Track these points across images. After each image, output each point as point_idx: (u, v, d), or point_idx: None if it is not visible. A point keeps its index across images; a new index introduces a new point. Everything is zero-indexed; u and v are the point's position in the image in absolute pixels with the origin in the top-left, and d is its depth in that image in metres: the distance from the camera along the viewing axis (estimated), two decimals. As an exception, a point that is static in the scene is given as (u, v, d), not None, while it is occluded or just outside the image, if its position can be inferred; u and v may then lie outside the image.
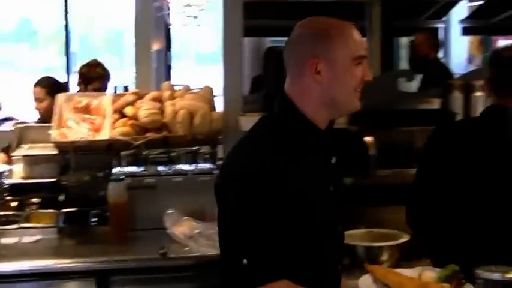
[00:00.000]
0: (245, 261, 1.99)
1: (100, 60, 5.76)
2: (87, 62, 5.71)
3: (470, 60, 13.65)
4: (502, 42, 14.10)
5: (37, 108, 5.31)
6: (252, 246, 2.00)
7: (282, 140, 2.12)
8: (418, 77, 5.87)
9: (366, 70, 2.20)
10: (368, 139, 3.81)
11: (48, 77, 5.57)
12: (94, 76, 5.41)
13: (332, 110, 2.22)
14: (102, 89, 5.32)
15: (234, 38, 4.10)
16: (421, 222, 3.03)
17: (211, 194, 3.61)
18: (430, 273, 2.10)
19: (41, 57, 14.82)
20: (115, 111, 4.06)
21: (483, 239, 2.81)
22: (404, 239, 3.08)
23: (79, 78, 5.54)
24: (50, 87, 5.25)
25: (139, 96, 4.17)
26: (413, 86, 5.97)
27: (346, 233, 3.49)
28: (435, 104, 4.37)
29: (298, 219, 2.05)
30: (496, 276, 1.63)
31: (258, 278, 1.99)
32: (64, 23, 10.82)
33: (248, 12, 4.27)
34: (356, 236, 3.23)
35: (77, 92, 5.50)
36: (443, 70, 6.09)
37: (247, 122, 3.75)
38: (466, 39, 13.42)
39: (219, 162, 4.06)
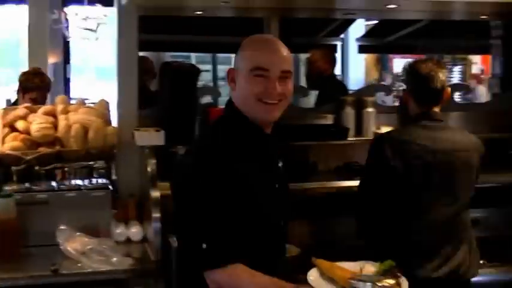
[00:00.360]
0: (204, 245, 2.22)
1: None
2: (27, 69, 5.45)
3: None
4: (397, 60, 14.59)
5: None
6: (210, 232, 2.24)
7: (229, 139, 2.35)
8: (314, 93, 5.98)
9: (269, 83, 2.31)
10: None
11: None
12: (31, 86, 5.15)
13: (250, 116, 2.39)
14: (40, 99, 5.07)
15: (129, 52, 4.08)
16: (370, 232, 3.34)
17: (105, 209, 3.60)
18: (370, 267, 2.18)
19: None
20: (5, 126, 3.96)
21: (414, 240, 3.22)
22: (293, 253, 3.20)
23: (18, 86, 5.26)
24: None
25: (32, 110, 4.08)
26: (309, 101, 6.09)
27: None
28: (329, 119, 4.47)
29: (245, 210, 2.30)
30: (368, 285, 1.68)
31: (216, 260, 2.23)
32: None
33: (145, 26, 4.25)
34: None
35: (15, 99, 5.34)
36: (339, 86, 6.20)
37: (142, 136, 3.74)
38: (363, 57, 13.76)
39: (114, 177, 4.02)
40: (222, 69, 14.29)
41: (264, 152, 2.43)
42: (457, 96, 5.11)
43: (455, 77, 13.11)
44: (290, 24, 7.23)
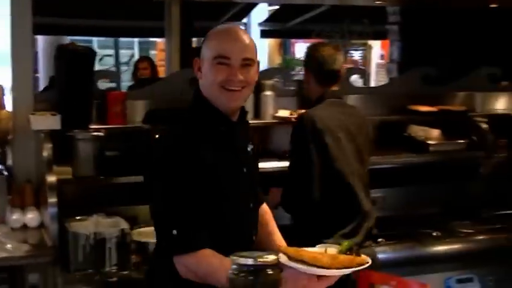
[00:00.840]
0: (175, 231, 2.28)
1: None
2: None
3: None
4: (299, 45, 14.75)
5: None
6: (179, 219, 2.31)
7: (196, 127, 2.40)
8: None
9: (231, 70, 2.37)
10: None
11: None
12: None
13: (215, 104, 2.42)
14: None
15: (23, 35, 3.97)
16: (293, 206, 3.56)
17: (1, 195, 3.50)
18: (332, 249, 2.20)
19: None
20: None
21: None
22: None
23: None
24: None
25: None
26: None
27: (139, 230, 3.60)
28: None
29: (213, 196, 2.36)
30: (249, 261, 1.71)
31: (185, 246, 2.28)
32: None
33: (41, 8, 4.15)
34: (149, 233, 3.29)
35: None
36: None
37: (38, 120, 3.66)
38: (267, 41, 13.88)
39: (9, 163, 3.93)
40: (124, 54, 14.13)
41: (230, 139, 2.46)
42: (354, 80, 5.20)
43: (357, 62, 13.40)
44: (191, 8, 7.23)
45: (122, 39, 13.54)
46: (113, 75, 9.98)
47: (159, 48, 13.14)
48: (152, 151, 2.44)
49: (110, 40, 13.74)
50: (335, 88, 3.63)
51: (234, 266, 1.74)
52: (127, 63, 13.35)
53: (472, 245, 4.09)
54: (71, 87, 3.81)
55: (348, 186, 3.46)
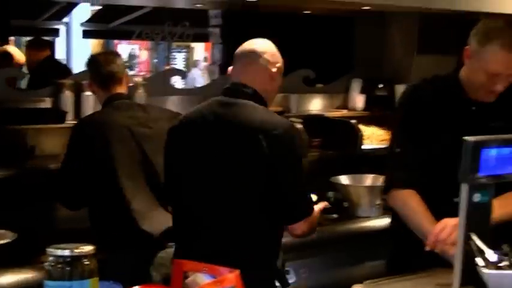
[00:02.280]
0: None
1: None
2: None
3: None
4: (122, 46, 14.65)
5: None
6: None
7: None
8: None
9: None
10: None
11: None
12: None
13: None
14: None
15: None
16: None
17: None
18: None
19: None
20: None
21: None
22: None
23: None
24: None
25: None
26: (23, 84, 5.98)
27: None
28: (47, 103, 4.40)
29: None
30: (66, 252, 1.74)
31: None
32: None
33: None
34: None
35: None
36: (58, 68, 6.17)
37: None
38: (89, 42, 13.66)
39: None
40: None
41: None
42: (174, 81, 5.27)
43: (179, 64, 13.51)
44: (8, 6, 7.01)
45: None
46: None
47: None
48: None
49: None
50: (121, 90, 3.66)
51: (51, 258, 1.76)
52: None
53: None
54: None
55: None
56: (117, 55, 3.83)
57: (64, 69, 6.51)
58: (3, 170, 3.78)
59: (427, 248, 2.62)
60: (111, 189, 3.43)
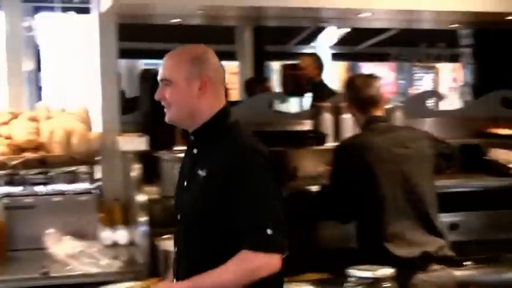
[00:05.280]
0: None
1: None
2: None
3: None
4: (367, 68, 14.66)
5: None
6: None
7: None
8: (293, 100, 6.12)
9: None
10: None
11: None
12: None
13: None
14: None
15: (109, 59, 4.13)
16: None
17: (91, 213, 3.64)
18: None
19: None
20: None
21: None
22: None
23: None
24: None
25: (14, 116, 4.12)
26: (287, 107, 6.20)
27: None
28: (307, 125, 4.55)
29: None
30: (368, 274, 1.77)
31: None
32: None
33: (122, 34, 4.29)
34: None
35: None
36: (329, 91, 6.30)
37: (126, 141, 3.80)
38: (337, 64, 13.86)
39: (98, 183, 4.07)
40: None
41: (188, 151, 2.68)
42: (429, 103, 5.21)
43: (427, 85, 13.26)
44: (262, 33, 7.35)
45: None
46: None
47: (228, 72, 13.25)
48: None
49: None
50: (379, 113, 3.63)
51: (352, 279, 1.81)
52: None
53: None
54: (156, 109, 3.94)
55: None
56: (375, 77, 3.81)
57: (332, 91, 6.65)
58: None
59: None
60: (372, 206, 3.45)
